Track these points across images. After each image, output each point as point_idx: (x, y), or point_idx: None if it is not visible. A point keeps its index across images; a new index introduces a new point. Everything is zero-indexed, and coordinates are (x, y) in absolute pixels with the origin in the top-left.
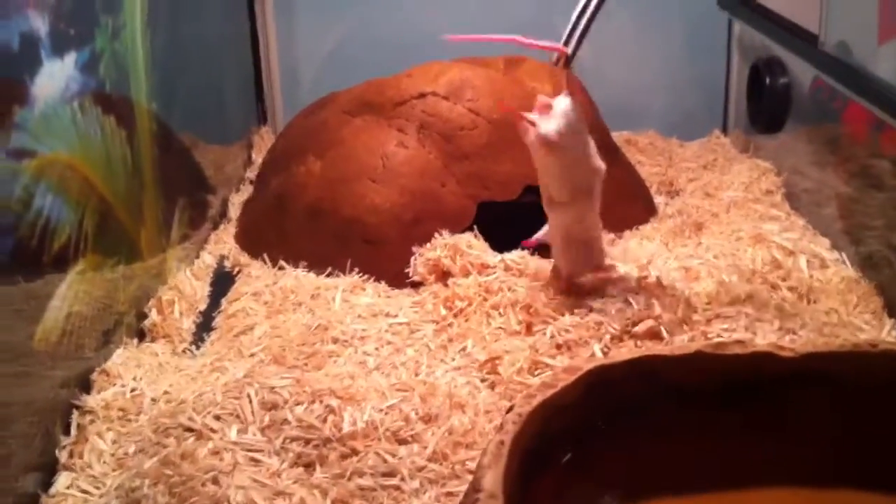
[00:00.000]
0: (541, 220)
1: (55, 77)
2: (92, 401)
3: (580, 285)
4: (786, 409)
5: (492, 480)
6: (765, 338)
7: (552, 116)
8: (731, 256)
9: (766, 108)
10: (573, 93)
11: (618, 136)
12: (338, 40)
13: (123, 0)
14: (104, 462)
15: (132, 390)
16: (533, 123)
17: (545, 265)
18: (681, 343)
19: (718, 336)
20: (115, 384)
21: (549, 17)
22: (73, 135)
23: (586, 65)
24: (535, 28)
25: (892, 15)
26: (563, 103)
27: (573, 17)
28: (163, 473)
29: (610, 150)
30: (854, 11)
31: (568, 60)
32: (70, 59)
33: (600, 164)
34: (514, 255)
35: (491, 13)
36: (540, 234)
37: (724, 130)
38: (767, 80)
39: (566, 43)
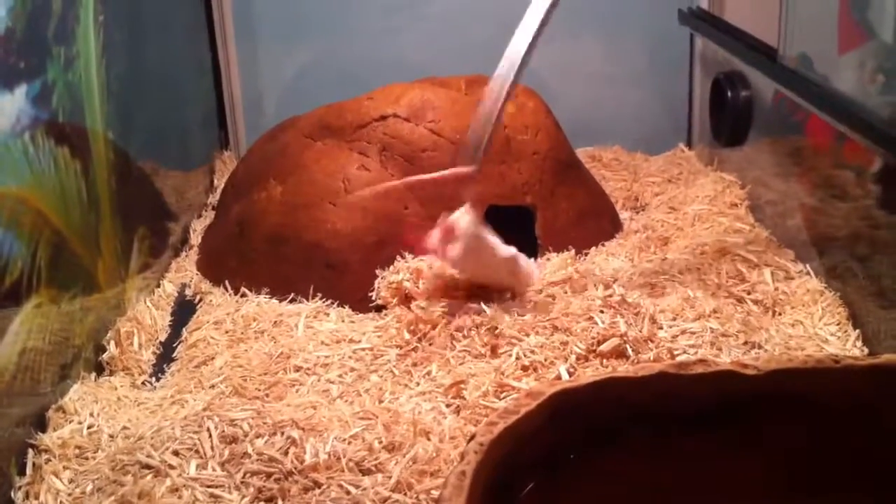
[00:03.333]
0: (503, 240)
1: (5, 110)
2: (48, 439)
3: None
4: (752, 427)
5: None
6: (730, 353)
7: (457, 238)
8: (696, 271)
9: (729, 122)
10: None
11: (582, 153)
12: (299, 66)
13: (76, 31)
14: (61, 502)
15: (89, 427)
16: (442, 253)
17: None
18: (646, 361)
19: (684, 352)
20: (71, 421)
21: (507, 40)
22: (24, 168)
23: (550, 82)
24: (494, 51)
25: (851, 27)
26: (463, 221)
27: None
28: None
29: (573, 167)
30: (814, 24)
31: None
32: (20, 91)
33: (507, 255)
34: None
35: (450, 38)
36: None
37: (689, 144)
38: (729, 94)
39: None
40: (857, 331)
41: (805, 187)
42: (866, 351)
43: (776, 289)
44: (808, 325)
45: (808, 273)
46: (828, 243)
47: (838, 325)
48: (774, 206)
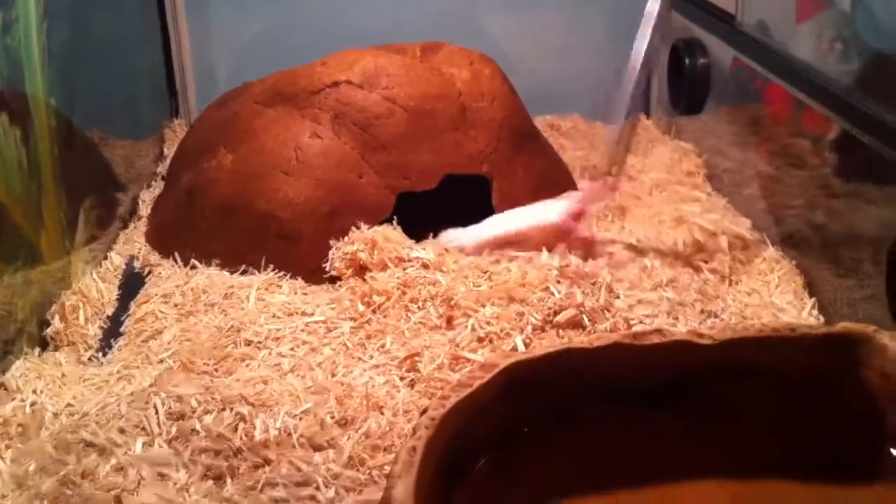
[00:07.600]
0: (459, 209)
1: None
2: None
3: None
4: (709, 398)
5: (403, 490)
6: (686, 323)
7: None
8: (653, 240)
9: (687, 90)
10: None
11: (541, 121)
12: (254, 31)
13: None
14: (2, 482)
15: (32, 404)
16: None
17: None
18: (602, 331)
19: (640, 322)
20: (14, 398)
21: (467, 9)
22: None
23: (508, 49)
24: (452, 20)
25: None
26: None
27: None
28: (62, 493)
29: (531, 136)
30: None
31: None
32: None
33: None
34: (431, 254)
35: (407, 6)
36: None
37: (647, 113)
38: (687, 62)
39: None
40: (813, 299)
41: (762, 156)
42: (822, 319)
43: (733, 258)
44: (765, 293)
45: (764, 242)
46: (784, 212)
47: (794, 293)
48: (731, 174)
